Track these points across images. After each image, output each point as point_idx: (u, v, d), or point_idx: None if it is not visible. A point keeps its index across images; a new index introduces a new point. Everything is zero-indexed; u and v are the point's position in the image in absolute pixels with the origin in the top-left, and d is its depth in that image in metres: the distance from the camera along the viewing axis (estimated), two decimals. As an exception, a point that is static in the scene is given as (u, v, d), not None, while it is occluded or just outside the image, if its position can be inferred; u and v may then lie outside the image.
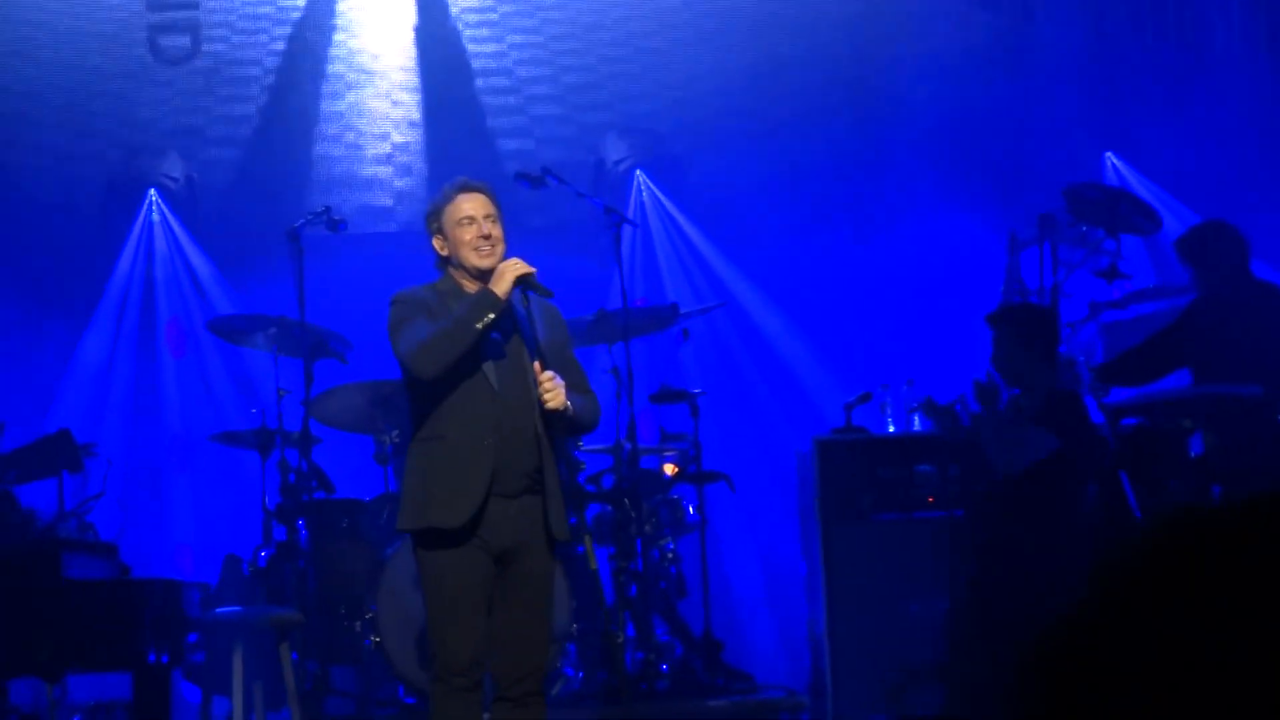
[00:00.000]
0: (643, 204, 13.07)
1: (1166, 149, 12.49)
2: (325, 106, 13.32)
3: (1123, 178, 12.53)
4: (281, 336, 10.02)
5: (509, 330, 6.76)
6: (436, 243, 6.90)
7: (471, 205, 6.83)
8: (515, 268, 6.66)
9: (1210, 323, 9.19)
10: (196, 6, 13.28)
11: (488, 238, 6.79)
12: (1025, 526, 8.21)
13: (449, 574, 6.63)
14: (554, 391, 6.62)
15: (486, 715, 6.79)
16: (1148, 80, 12.76)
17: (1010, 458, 8.24)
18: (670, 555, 10.17)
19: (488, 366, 6.68)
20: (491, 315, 6.59)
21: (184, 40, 13.21)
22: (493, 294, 6.63)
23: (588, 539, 6.93)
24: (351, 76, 13.38)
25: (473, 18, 13.42)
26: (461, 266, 6.82)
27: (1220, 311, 9.22)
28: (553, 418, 6.67)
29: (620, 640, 9.27)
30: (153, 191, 12.95)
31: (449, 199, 6.87)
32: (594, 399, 7.00)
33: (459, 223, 6.82)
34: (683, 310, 10.74)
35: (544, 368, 6.68)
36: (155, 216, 12.95)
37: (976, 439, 8.47)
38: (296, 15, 13.30)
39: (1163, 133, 12.53)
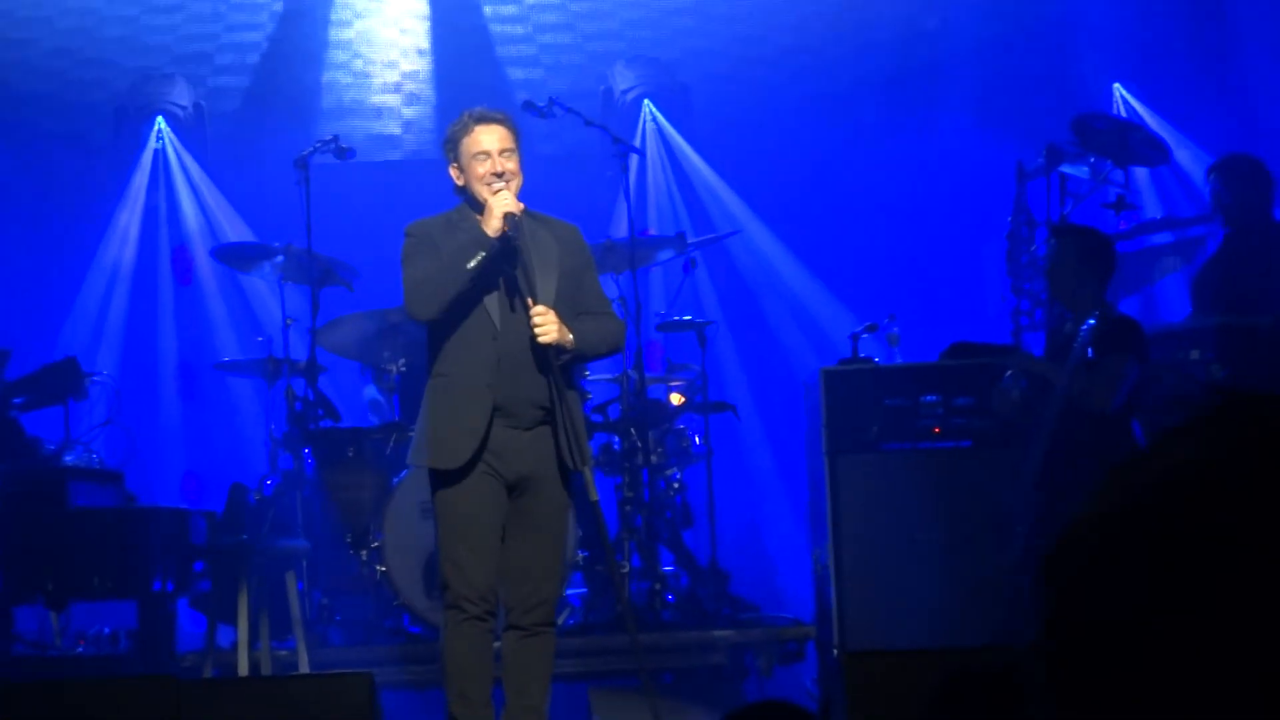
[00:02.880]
0: (650, 133, 13.03)
1: (1177, 83, 12.42)
2: (334, 34, 13.26)
3: (1131, 109, 12.46)
4: (288, 264, 10.00)
5: (520, 264, 6.74)
6: (453, 171, 6.84)
7: (488, 138, 6.74)
8: (504, 204, 6.59)
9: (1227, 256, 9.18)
10: (205, -68, 13.22)
11: (501, 174, 6.73)
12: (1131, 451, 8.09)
13: (461, 502, 6.63)
14: (545, 327, 6.58)
15: (497, 644, 6.81)
16: (1160, 11, 12.67)
17: (1109, 390, 8.07)
18: (676, 485, 10.16)
19: (492, 303, 6.66)
20: (483, 254, 6.56)
21: (192, -34, 13.15)
22: (482, 233, 6.59)
23: (587, 471, 6.91)
24: (360, 4, 13.32)
25: (482, -56, 13.36)
26: (475, 199, 6.79)
27: (1239, 245, 9.20)
28: (552, 351, 6.64)
29: (625, 570, 9.29)
30: (160, 119, 12.92)
31: (466, 129, 6.77)
32: (613, 321, 6.97)
33: (474, 156, 6.74)
34: (690, 240, 10.71)
35: (535, 301, 6.64)
36: (163, 144, 12.92)
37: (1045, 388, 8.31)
38: (305, -58, 13.25)
39: (1174, 66, 12.46)
